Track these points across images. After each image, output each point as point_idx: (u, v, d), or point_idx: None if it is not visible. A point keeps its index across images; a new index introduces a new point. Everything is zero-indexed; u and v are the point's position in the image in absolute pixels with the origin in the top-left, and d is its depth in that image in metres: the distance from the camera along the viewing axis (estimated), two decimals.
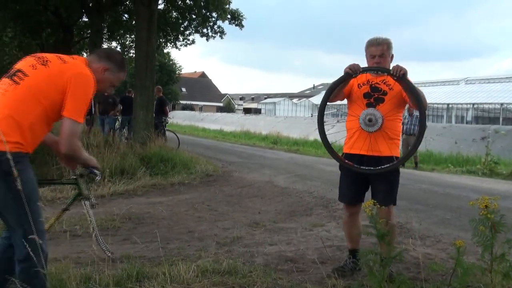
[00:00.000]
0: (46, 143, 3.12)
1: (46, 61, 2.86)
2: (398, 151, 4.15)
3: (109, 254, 3.55)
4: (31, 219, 2.64)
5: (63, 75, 2.78)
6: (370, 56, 4.04)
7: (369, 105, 3.98)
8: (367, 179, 4.07)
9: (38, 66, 2.82)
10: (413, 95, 3.81)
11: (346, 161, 4.07)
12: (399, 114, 4.10)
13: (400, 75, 3.74)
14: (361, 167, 3.95)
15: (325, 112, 4.12)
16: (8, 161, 2.54)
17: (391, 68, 3.86)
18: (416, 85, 3.93)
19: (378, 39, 4.05)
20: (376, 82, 4.04)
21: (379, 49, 3.99)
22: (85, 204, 3.43)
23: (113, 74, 3.14)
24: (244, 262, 4.35)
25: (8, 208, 2.70)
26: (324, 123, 4.15)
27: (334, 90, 3.98)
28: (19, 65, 2.90)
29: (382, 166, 3.87)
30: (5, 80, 2.82)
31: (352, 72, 3.85)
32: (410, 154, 4.31)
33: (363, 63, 4.03)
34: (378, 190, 4.02)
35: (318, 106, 4.20)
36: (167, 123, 15.84)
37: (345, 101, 4.28)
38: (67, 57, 2.97)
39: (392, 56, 4.09)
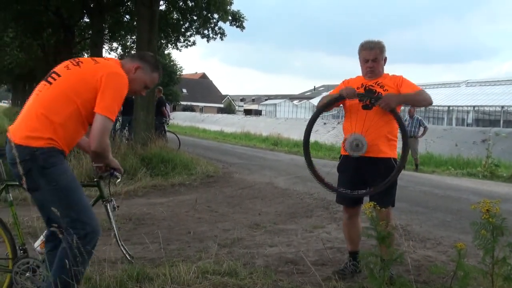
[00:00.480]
0: (80, 146, 3.25)
1: (79, 62, 2.96)
2: (396, 152, 4.15)
3: (130, 258, 3.55)
4: (76, 207, 2.78)
5: (96, 74, 2.85)
6: (363, 59, 4.10)
7: (365, 107, 3.99)
8: (365, 180, 4.06)
9: (71, 66, 2.94)
10: (400, 126, 4.01)
11: (341, 189, 4.15)
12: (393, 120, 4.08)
13: (387, 110, 3.88)
14: (359, 191, 3.98)
15: (313, 129, 4.19)
16: (44, 155, 2.68)
17: (385, 73, 4.07)
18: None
19: (370, 43, 4.08)
20: (370, 85, 4.06)
21: (372, 54, 4.04)
22: (106, 207, 3.45)
23: (146, 74, 3.15)
24: (245, 264, 4.35)
25: (52, 200, 2.77)
26: (316, 132, 4.22)
27: (324, 110, 4.21)
28: (56, 68, 3.02)
29: (379, 185, 3.90)
30: (42, 82, 2.95)
31: (347, 97, 3.97)
32: (400, 167, 4.23)
33: None
34: (379, 193, 3.99)
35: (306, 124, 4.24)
36: (168, 124, 15.81)
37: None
38: (101, 58, 3.08)
39: (385, 59, 4.13)
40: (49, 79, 2.91)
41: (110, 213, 3.45)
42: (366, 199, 4.03)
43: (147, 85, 3.21)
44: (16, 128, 2.81)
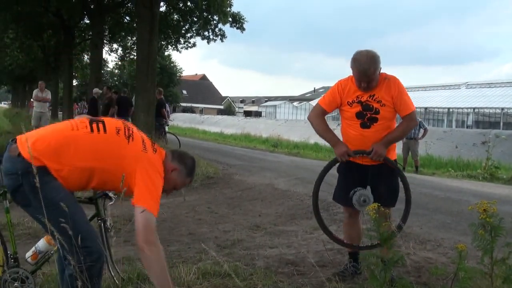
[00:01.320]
0: None
1: (130, 136, 2.80)
2: (395, 153, 4.18)
3: (119, 279, 3.54)
4: (73, 224, 2.55)
5: (137, 162, 2.72)
6: (357, 78, 3.84)
7: (363, 125, 3.93)
8: (365, 180, 4.06)
9: (121, 134, 2.77)
10: (402, 180, 4.02)
11: (345, 242, 4.20)
12: (393, 121, 4.07)
13: (380, 160, 3.90)
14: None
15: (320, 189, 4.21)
16: (38, 175, 2.47)
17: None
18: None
19: (364, 64, 3.75)
20: (366, 100, 3.90)
21: (365, 78, 3.79)
22: (100, 226, 3.46)
23: (180, 177, 3.02)
24: (245, 265, 4.35)
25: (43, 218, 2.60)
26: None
27: (325, 175, 4.13)
28: (107, 119, 2.88)
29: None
30: (85, 120, 2.81)
31: (343, 161, 3.99)
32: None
33: None
34: (380, 192, 3.98)
35: (312, 191, 4.27)
36: (168, 125, 15.80)
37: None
38: (150, 146, 2.88)
39: (380, 69, 3.86)
40: (94, 125, 2.76)
41: (104, 233, 3.46)
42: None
43: (176, 187, 3.08)
44: (29, 142, 2.61)
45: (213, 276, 3.88)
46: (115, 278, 3.51)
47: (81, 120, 2.83)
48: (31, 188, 2.53)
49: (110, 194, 3.37)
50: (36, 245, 3.29)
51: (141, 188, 2.66)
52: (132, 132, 2.84)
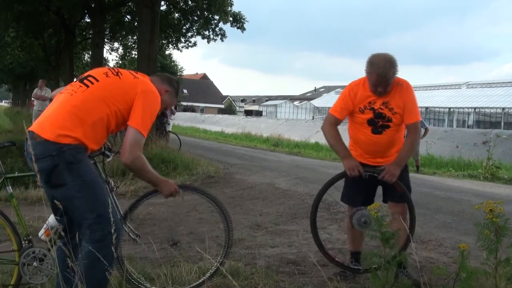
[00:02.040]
0: None
1: (119, 72, 3.07)
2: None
3: (135, 237, 3.72)
4: (102, 203, 2.82)
5: (135, 88, 2.97)
6: (373, 82, 3.75)
7: (374, 131, 3.91)
8: (376, 184, 4.04)
9: (111, 75, 3.02)
10: (408, 204, 3.96)
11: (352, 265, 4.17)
12: (402, 125, 4.03)
13: (393, 181, 3.84)
14: None
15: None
16: (71, 151, 2.74)
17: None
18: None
19: (383, 68, 3.63)
20: (379, 108, 3.85)
21: (384, 82, 3.70)
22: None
23: (170, 98, 3.34)
24: (246, 264, 4.35)
25: (78, 196, 2.80)
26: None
27: (329, 188, 4.11)
28: (91, 71, 3.11)
29: None
30: (76, 83, 3.02)
31: (351, 175, 3.92)
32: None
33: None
34: (394, 189, 3.94)
35: (313, 199, 4.21)
36: (169, 124, 15.77)
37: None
38: (138, 73, 3.17)
39: (397, 72, 3.76)
40: (86, 81, 2.96)
41: (109, 194, 3.48)
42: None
43: (166, 107, 3.38)
44: (44, 125, 2.83)
45: (214, 276, 3.86)
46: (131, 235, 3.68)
47: (71, 84, 3.04)
48: (67, 165, 2.74)
49: (107, 152, 3.50)
50: (47, 222, 3.36)
51: (135, 111, 2.92)
52: (118, 70, 3.10)
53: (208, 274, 3.75)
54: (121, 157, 2.91)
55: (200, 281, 3.72)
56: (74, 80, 3.13)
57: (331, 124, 4.08)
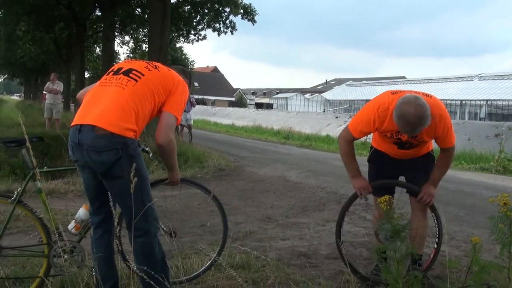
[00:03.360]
0: None
1: (156, 66, 3.24)
2: (431, 144, 4.14)
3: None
4: (150, 196, 3.14)
5: (173, 80, 3.18)
6: (401, 131, 3.52)
7: (401, 147, 3.84)
8: (399, 170, 4.03)
9: (151, 68, 3.18)
10: (438, 226, 4.04)
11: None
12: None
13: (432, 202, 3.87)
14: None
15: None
16: (133, 146, 2.92)
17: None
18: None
19: (413, 126, 3.30)
20: (407, 139, 3.72)
21: (412, 134, 3.52)
22: None
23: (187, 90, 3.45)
24: (257, 257, 4.35)
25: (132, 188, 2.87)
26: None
27: (346, 212, 4.03)
28: (129, 65, 3.21)
29: None
30: (119, 76, 3.10)
31: (362, 195, 3.87)
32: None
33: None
34: (420, 180, 3.93)
35: (335, 224, 4.05)
36: (190, 116, 15.68)
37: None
38: (170, 67, 3.42)
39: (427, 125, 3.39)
40: (132, 75, 3.07)
41: None
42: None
43: None
44: (104, 118, 2.88)
45: (226, 268, 3.88)
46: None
47: (117, 78, 3.09)
48: (129, 158, 2.87)
49: (146, 149, 3.79)
50: (76, 215, 3.48)
51: (172, 99, 3.14)
52: (155, 63, 3.27)
53: (203, 267, 3.90)
54: (156, 139, 3.07)
55: (196, 273, 3.85)
56: (106, 73, 3.16)
57: (347, 141, 3.89)
